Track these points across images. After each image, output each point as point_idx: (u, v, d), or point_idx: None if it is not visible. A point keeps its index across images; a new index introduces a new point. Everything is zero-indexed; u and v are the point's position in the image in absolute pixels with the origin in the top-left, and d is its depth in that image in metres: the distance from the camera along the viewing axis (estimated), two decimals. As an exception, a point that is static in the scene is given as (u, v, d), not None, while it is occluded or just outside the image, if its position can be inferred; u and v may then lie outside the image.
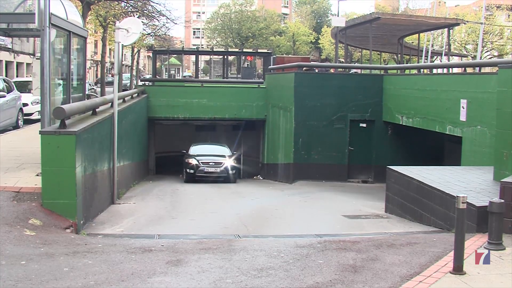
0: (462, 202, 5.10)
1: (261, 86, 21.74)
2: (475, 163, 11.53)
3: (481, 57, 40.83)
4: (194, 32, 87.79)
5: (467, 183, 8.73)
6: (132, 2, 28.82)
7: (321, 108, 17.35)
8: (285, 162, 18.24)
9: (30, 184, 8.07)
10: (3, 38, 27.08)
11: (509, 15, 56.08)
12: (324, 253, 6.08)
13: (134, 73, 49.83)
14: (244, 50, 48.67)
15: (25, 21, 10.12)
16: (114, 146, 10.68)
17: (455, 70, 26.24)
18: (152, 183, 16.04)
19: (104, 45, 32.89)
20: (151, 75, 52.73)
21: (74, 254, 5.91)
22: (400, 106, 16.31)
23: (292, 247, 6.36)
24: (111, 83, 10.76)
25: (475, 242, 6.23)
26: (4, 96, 15.98)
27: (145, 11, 30.20)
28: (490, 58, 47.34)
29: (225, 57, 44.60)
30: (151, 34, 41.10)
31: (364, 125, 17.56)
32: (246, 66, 48.58)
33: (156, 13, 30.79)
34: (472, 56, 46.33)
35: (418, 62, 39.18)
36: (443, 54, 40.95)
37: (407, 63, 38.48)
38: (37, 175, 8.43)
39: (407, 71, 19.78)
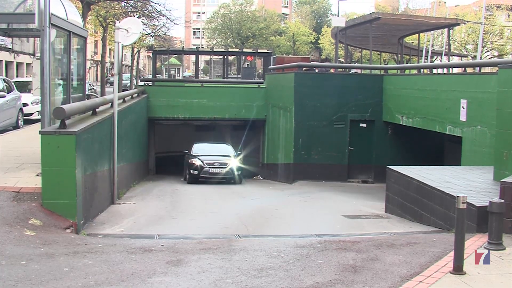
0: (462, 202, 5.10)
1: (261, 86, 21.73)
2: (475, 163, 11.53)
3: (481, 57, 40.83)
4: (194, 32, 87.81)
5: (467, 183, 8.73)
6: (132, 2, 28.82)
7: (321, 108, 17.35)
8: (285, 162, 18.24)
9: (30, 184, 8.07)
10: (3, 38, 27.10)
11: (509, 15, 56.07)
12: (324, 253, 6.08)
13: (134, 73, 49.84)
14: (244, 50, 48.67)
15: (25, 21, 10.11)
16: (114, 146, 10.67)
17: (455, 70, 26.23)
18: (152, 183, 16.04)
19: (104, 45, 32.92)
20: (150, 75, 52.78)
21: (74, 254, 5.91)
22: (400, 106, 16.31)
23: (292, 247, 6.36)
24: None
25: (475, 242, 6.22)
26: (4, 96, 15.98)
27: (145, 11, 30.21)
28: (490, 58, 47.33)
29: (225, 57, 44.61)
30: (151, 34, 41.12)
31: (364, 125, 17.55)
32: (246, 66, 48.57)
33: (156, 13, 30.80)
34: (472, 56, 46.33)
35: (418, 62, 39.18)
36: (443, 54, 40.97)
37: (407, 63, 38.47)
38: (37, 175, 8.43)
39: (407, 71, 19.78)
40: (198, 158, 17.46)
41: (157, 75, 45.42)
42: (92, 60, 56.66)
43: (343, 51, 41.98)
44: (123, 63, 56.19)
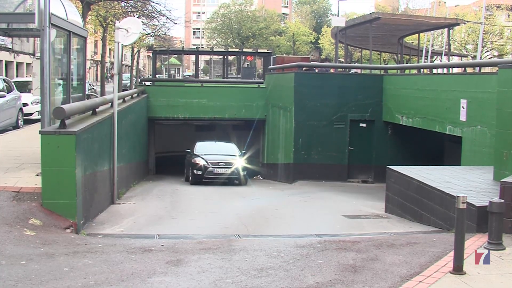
0: (462, 202, 5.10)
1: (261, 86, 21.73)
2: (475, 163, 11.53)
3: (481, 57, 40.82)
4: (194, 32, 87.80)
5: (467, 183, 8.73)
6: (132, 2, 28.78)
7: (321, 108, 17.35)
8: (285, 162, 18.23)
9: (30, 184, 8.07)
10: (3, 38, 27.08)
11: (509, 15, 56.06)
12: (324, 253, 6.08)
13: (134, 73, 49.83)
14: (244, 50, 48.68)
15: (25, 21, 10.11)
16: (114, 146, 10.67)
17: (455, 70, 26.25)
18: (152, 183, 16.03)
19: (104, 45, 32.88)
20: (150, 75, 52.77)
21: (74, 254, 5.91)
22: (400, 106, 16.32)
23: (292, 247, 6.36)
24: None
25: (475, 242, 6.22)
26: (4, 96, 15.98)
27: (145, 11, 30.16)
28: (490, 58, 47.33)
29: (225, 57, 44.61)
30: (151, 34, 41.07)
31: (364, 125, 17.55)
32: (246, 66, 48.57)
33: (156, 13, 30.75)
34: (472, 56, 46.32)
35: (418, 62, 39.17)
36: (443, 54, 40.96)
37: (407, 63, 38.47)
38: (37, 175, 8.43)
39: (407, 71, 19.79)
40: (202, 158, 16.74)
41: (157, 75, 45.42)
42: (92, 60, 56.63)
43: (343, 51, 41.96)
44: (123, 63, 56.15)
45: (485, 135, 11.37)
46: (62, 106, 8.23)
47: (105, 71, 34.18)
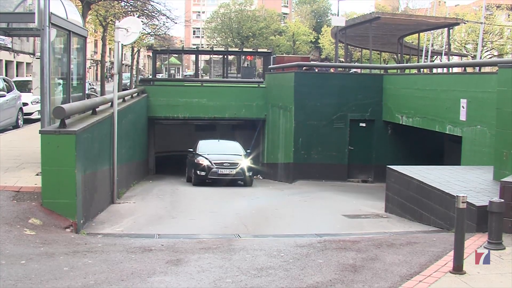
0: (462, 202, 5.10)
1: (261, 85, 21.72)
2: (475, 162, 11.53)
3: (481, 57, 40.78)
4: (194, 31, 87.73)
5: (467, 182, 8.73)
6: (132, 1, 28.83)
7: (321, 108, 17.35)
8: (285, 161, 18.23)
9: (30, 183, 8.06)
10: (3, 37, 27.06)
11: (509, 15, 56.00)
12: (324, 252, 6.08)
13: (134, 72, 49.82)
14: (244, 49, 48.67)
15: (25, 21, 10.09)
16: (114, 145, 10.67)
17: (455, 69, 26.22)
18: (152, 183, 16.03)
19: (104, 45, 32.89)
20: (150, 75, 52.75)
21: (74, 254, 5.91)
22: (400, 106, 16.32)
23: (292, 247, 6.36)
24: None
25: (475, 242, 6.22)
26: (4, 96, 15.97)
27: (145, 11, 30.20)
28: (490, 57, 47.30)
29: (225, 56, 44.55)
30: (151, 33, 41.10)
31: (364, 124, 17.55)
32: (246, 65, 48.52)
33: (156, 12, 30.81)
34: (472, 55, 46.31)
35: (418, 62, 39.16)
36: (443, 54, 40.95)
37: (407, 63, 38.46)
38: (37, 175, 8.43)
39: (407, 71, 19.80)
40: (206, 158, 15.91)
41: (157, 75, 45.38)
42: (92, 59, 56.62)
43: (343, 50, 41.96)
44: (123, 62, 56.13)
45: (485, 134, 11.37)
46: (62, 105, 8.23)
47: (105, 71, 34.19)
